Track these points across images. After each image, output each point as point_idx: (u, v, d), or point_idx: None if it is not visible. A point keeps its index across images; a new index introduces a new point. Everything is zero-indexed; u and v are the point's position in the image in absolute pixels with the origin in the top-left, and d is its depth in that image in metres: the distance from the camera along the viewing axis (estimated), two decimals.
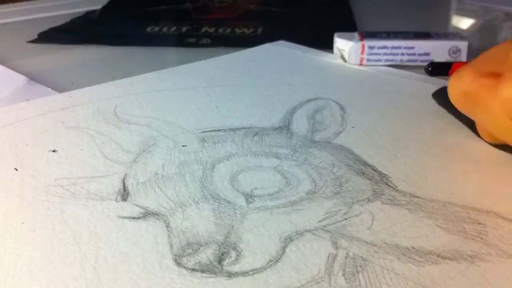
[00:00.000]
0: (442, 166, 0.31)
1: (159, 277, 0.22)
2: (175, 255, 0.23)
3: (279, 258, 0.23)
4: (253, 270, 0.22)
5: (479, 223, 0.25)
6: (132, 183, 0.29)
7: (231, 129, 0.35)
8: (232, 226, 0.25)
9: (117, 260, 0.23)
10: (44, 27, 0.65)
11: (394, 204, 0.27)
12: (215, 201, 0.27)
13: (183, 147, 0.33)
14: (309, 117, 0.37)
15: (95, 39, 0.61)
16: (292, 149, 0.32)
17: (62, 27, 0.66)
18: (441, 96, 0.38)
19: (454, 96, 0.32)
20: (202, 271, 0.22)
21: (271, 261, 0.23)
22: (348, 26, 0.61)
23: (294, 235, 0.24)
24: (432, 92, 0.40)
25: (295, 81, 0.44)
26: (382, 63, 0.48)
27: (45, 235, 0.25)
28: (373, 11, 0.73)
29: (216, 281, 0.22)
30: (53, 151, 0.33)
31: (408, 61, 0.48)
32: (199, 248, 0.24)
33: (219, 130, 0.35)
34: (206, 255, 0.23)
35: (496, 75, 0.29)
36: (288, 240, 0.24)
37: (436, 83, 0.43)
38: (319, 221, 0.25)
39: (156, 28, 0.65)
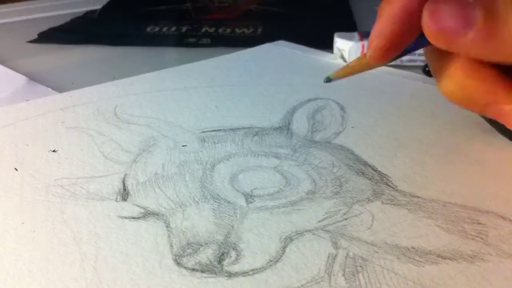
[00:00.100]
0: (442, 166, 0.31)
1: (159, 277, 0.22)
2: (175, 255, 0.23)
3: (279, 258, 0.23)
4: (253, 270, 0.22)
5: (479, 223, 0.25)
6: (132, 183, 0.29)
7: (231, 129, 0.35)
8: (232, 226, 0.25)
9: (117, 260, 0.23)
10: (44, 27, 0.65)
11: (394, 204, 0.27)
12: (215, 201, 0.27)
13: (183, 147, 0.33)
14: (309, 117, 0.37)
15: (95, 39, 0.61)
16: (292, 149, 0.32)
17: (62, 27, 0.66)
18: None
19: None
20: (202, 271, 0.22)
21: (271, 261, 0.23)
22: (348, 26, 0.61)
23: (294, 235, 0.24)
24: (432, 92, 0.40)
25: (295, 81, 0.44)
26: None
27: (45, 235, 0.25)
28: (373, 11, 0.73)
29: (216, 281, 0.22)
30: (53, 151, 0.33)
31: (408, 61, 0.48)
32: (199, 248, 0.24)
33: (219, 130, 0.35)
34: (206, 255, 0.23)
35: None
36: (288, 240, 0.24)
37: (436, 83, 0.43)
38: (319, 221, 0.25)
39: (156, 28, 0.65)
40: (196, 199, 0.27)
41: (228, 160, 0.31)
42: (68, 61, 0.54)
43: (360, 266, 0.22)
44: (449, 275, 0.22)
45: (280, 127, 0.36)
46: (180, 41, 0.60)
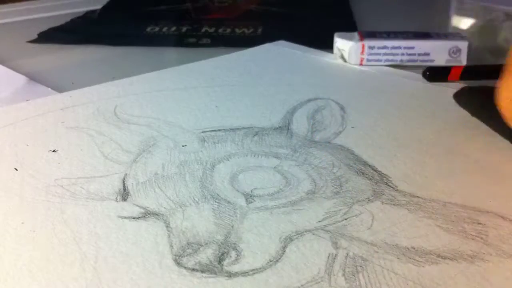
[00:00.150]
0: (442, 166, 0.31)
1: (159, 277, 0.22)
2: (175, 255, 0.23)
3: (279, 258, 0.23)
4: (253, 270, 0.22)
5: (479, 223, 0.25)
6: (132, 183, 0.29)
7: (231, 129, 0.35)
8: (232, 226, 0.25)
9: (117, 260, 0.23)
10: (44, 27, 0.65)
11: (394, 204, 0.27)
12: (215, 201, 0.27)
13: (183, 147, 0.33)
14: (309, 117, 0.37)
15: (95, 39, 0.61)
16: (292, 149, 0.32)
17: (62, 27, 0.66)
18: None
19: (505, 100, 0.31)
20: (202, 271, 0.22)
21: (271, 261, 0.23)
22: (348, 26, 0.61)
23: (294, 235, 0.24)
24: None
25: (295, 81, 0.44)
26: (382, 63, 0.48)
27: (45, 235, 0.25)
28: (373, 11, 0.73)
29: (216, 281, 0.22)
30: (53, 151, 0.33)
31: (408, 61, 0.48)
32: (199, 248, 0.24)
33: (219, 130, 0.35)
34: (206, 255, 0.23)
35: None
36: (288, 240, 0.24)
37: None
38: (319, 221, 0.25)
39: (156, 28, 0.65)
40: (196, 199, 0.27)
41: (228, 160, 0.31)
42: (68, 61, 0.54)
43: (360, 266, 0.22)
44: (449, 275, 0.22)
45: (280, 127, 0.36)
46: (180, 41, 0.60)
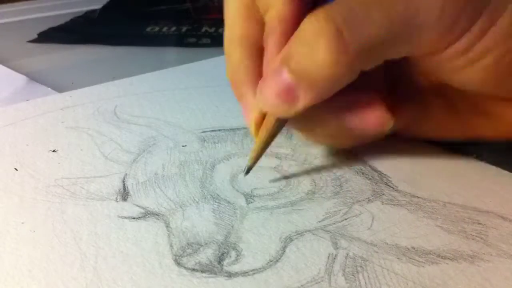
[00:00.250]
0: (442, 166, 0.31)
1: (159, 277, 0.22)
2: (175, 255, 0.23)
3: (279, 258, 0.23)
4: (253, 270, 0.22)
5: (479, 223, 0.25)
6: (132, 183, 0.29)
7: (231, 129, 0.35)
8: (232, 226, 0.25)
9: (117, 260, 0.23)
10: (44, 27, 0.65)
11: (394, 204, 0.27)
12: (215, 201, 0.27)
13: (183, 147, 0.33)
14: None
15: (95, 39, 0.61)
16: (292, 149, 0.32)
17: (62, 27, 0.66)
18: None
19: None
20: (202, 271, 0.22)
21: (271, 261, 0.23)
22: None
23: (294, 235, 0.24)
24: None
25: None
26: None
27: (45, 235, 0.25)
28: None
29: (216, 281, 0.22)
30: (53, 151, 0.33)
31: None
32: (199, 248, 0.24)
33: (219, 130, 0.35)
34: (206, 255, 0.23)
35: None
36: (288, 240, 0.24)
37: None
38: (319, 221, 0.25)
39: (156, 28, 0.65)
40: (196, 199, 0.27)
41: (228, 160, 0.31)
42: (68, 61, 0.54)
43: (360, 266, 0.22)
44: (449, 275, 0.22)
45: None
46: (180, 41, 0.60)
